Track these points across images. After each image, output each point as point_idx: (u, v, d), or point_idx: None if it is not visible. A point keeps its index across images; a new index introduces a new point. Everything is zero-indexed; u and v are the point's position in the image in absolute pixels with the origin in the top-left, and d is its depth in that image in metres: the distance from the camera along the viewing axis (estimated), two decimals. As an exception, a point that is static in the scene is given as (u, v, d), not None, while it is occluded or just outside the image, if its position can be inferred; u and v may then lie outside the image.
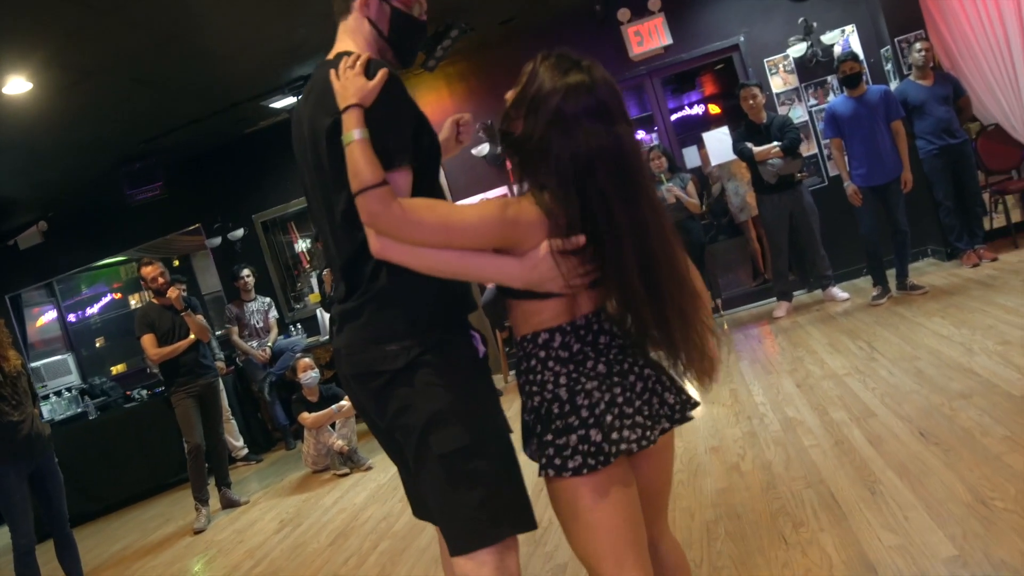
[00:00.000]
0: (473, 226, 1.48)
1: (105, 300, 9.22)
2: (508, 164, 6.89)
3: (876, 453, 3.08)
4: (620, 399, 1.52)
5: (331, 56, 1.71)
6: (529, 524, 1.68)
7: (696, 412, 1.76)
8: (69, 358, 8.56)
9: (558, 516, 1.57)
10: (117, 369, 8.75)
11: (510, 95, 1.56)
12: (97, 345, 8.97)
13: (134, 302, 9.10)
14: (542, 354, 1.56)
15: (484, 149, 7.23)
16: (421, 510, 1.90)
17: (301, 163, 1.79)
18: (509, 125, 1.54)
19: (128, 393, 7.58)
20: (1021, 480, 2.51)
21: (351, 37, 1.75)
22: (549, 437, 1.52)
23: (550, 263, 1.47)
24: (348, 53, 1.65)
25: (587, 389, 1.51)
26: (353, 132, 1.52)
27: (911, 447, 3.03)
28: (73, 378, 8.38)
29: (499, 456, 1.67)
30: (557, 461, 1.50)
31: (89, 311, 9.06)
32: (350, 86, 1.56)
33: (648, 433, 1.51)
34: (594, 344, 1.57)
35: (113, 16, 4.21)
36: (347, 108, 1.54)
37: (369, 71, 1.58)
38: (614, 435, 1.48)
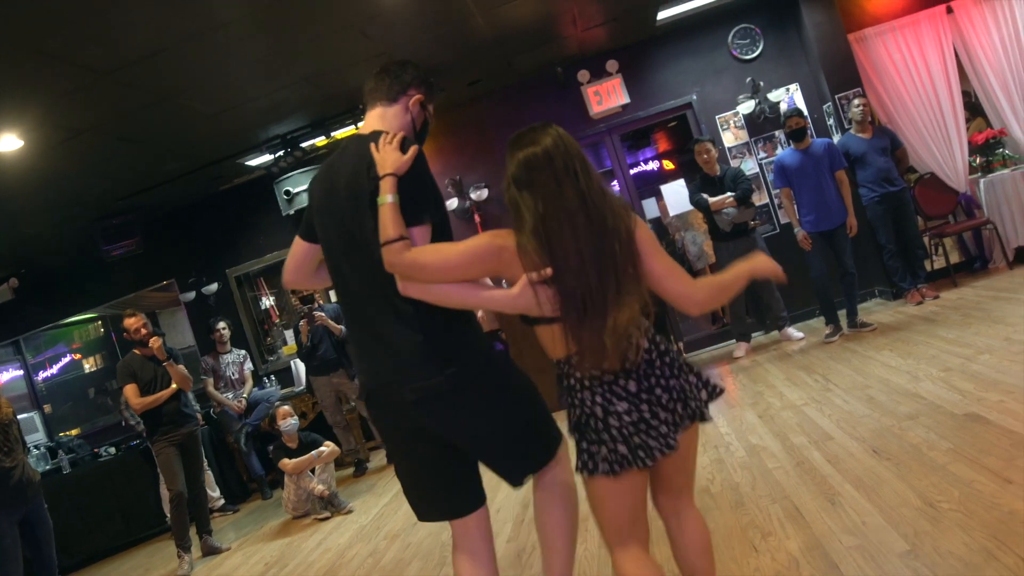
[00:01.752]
0: (467, 255, 1.86)
1: (64, 360, 9.07)
2: (476, 218, 7.11)
3: (834, 470, 3.34)
4: (647, 414, 1.83)
5: (366, 132, 2.16)
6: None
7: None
8: (35, 416, 8.49)
9: (588, 501, 1.96)
10: (73, 433, 8.52)
11: None
12: (47, 411, 8.77)
13: (88, 366, 8.98)
14: (578, 374, 1.87)
15: (453, 203, 7.51)
16: (441, 509, 2.21)
17: (326, 208, 2.16)
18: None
19: (96, 450, 7.54)
20: (964, 485, 2.79)
21: (385, 122, 2.19)
22: (584, 444, 1.88)
23: (530, 292, 1.82)
24: (381, 132, 2.08)
25: (618, 411, 1.83)
26: (387, 196, 1.93)
27: (866, 463, 3.30)
28: (40, 436, 8.29)
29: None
30: (591, 464, 1.86)
31: (43, 373, 8.84)
32: (388, 158, 1.98)
33: (670, 440, 1.83)
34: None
35: (109, 77, 4.38)
36: (384, 176, 1.96)
37: (403, 147, 2.01)
38: (640, 452, 1.81)
